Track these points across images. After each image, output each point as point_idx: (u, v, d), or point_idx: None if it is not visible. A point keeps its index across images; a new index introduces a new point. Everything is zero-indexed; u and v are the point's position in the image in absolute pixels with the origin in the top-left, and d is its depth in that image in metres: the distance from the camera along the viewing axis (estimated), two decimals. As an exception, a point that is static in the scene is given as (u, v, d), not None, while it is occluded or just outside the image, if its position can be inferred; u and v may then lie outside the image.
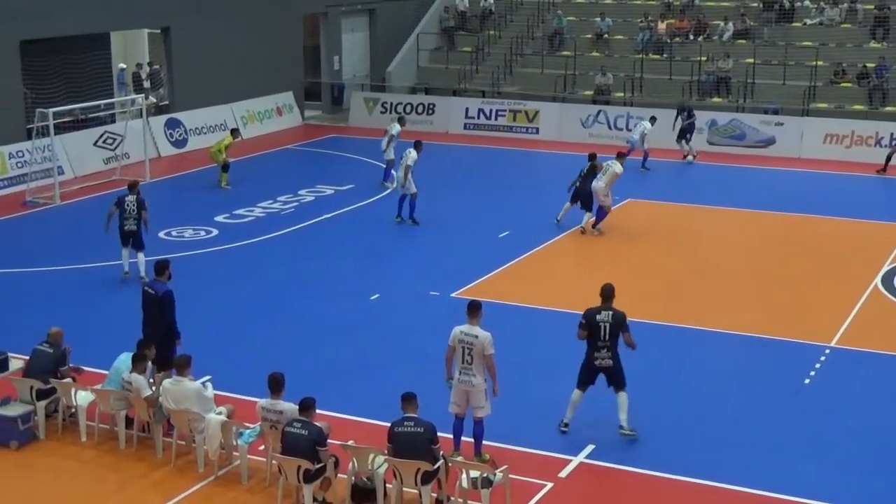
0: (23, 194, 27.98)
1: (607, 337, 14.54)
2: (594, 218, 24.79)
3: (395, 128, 29.48)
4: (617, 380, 14.71)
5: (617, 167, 24.77)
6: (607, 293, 14.77)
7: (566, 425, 14.84)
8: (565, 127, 35.12)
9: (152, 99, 35.73)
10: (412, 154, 25.42)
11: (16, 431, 14.37)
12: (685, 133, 32.89)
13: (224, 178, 29.06)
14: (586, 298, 20.11)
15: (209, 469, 13.71)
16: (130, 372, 14.24)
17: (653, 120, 32.05)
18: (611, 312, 14.59)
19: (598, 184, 24.62)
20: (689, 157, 32.77)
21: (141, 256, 21.33)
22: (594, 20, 40.88)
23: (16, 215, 26.71)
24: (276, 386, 13.30)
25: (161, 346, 14.93)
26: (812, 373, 16.92)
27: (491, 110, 37.33)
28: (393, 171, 28.40)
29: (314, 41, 41.24)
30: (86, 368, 15.50)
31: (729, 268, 22.45)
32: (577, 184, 25.10)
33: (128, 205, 21.46)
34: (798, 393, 16.25)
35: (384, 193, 28.19)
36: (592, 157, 25.91)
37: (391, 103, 38.58)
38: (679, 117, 33.18)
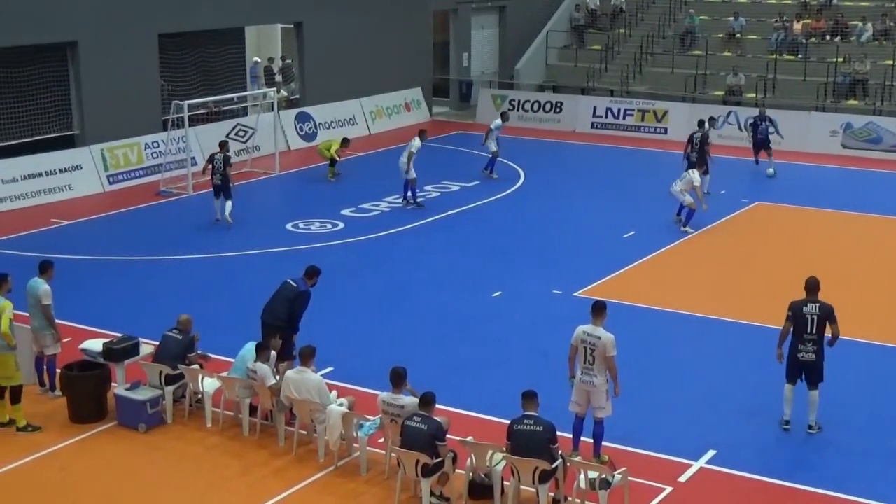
0: (157, 184, 28.69)
1: (814, 330, 14.44)
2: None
3: (496, 122, 30.15)
4: (815, 377, 14.59)
5: (695, 177, 24.74)
6: (813, 285, 14.70)
7: (787, 423, 14.75)
8: (694, 128, 34.58)
9: (283, 93, 36.30)
10: (416, 142, 26.62)
11: (144, 414, 14.74)
12: (766, 144, 30.29)
13: (331, 170, 29.71)
14: (710, 301, 20.00)
15: (329, 459, 13.86)
16: (255, 361, 14.49)
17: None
18: (818, 304, 14.52)
19: (674, 187, 24.87)
20: (770, 170, 30.02)
21: (228, 204, 24.78)
22: (727, 19, 40.21)
23: (150, 204, 27.39)
24: (397, 380, 13.39)
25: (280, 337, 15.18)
26: (946, 385, 16.40)
27: (619, 109, 37.00)
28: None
29: (443, 37, 41.40)
30: (212, 356, 15.81)
31: (860, 274, 21.84)
32: (690, 154, 26.09)
33: (216, 161, 24.53)
34: (930, 405, 15.77)
35: (509, 189, 28.21)
36: (701, 124, 26.21)
37: (519, 101, 38.51)
38: (757, 127, 30.57)
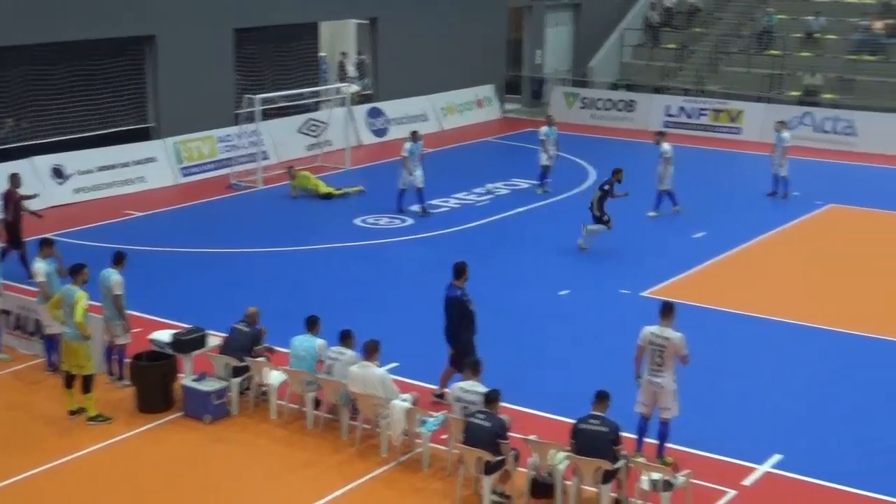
0: (228, 177, 28.92)
1: None
2: None
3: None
4: None
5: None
6: None
7: None
8: (769, 128, 33.98)
9: (356, 88, 36.42)
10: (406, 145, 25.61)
11: (210, 406, 14.87)
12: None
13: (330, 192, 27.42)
14: (780, 304, 19.70)
15: (392, 454, 13.90)
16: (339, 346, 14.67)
17: None
18: None
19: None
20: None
21: None
22: (806, 18, 39.60)
23: (220, 197, 27.64)
24: (477, 368, 13.51)
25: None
26: None
27: (693, 109, 36.67)
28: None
29: (517, 34, 41.34)
30: (279, 349, 15.91)
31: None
32: None
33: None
34: None
35: (580, 187, 28.03)
36: None
37: (591, 98, 38.34)
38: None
